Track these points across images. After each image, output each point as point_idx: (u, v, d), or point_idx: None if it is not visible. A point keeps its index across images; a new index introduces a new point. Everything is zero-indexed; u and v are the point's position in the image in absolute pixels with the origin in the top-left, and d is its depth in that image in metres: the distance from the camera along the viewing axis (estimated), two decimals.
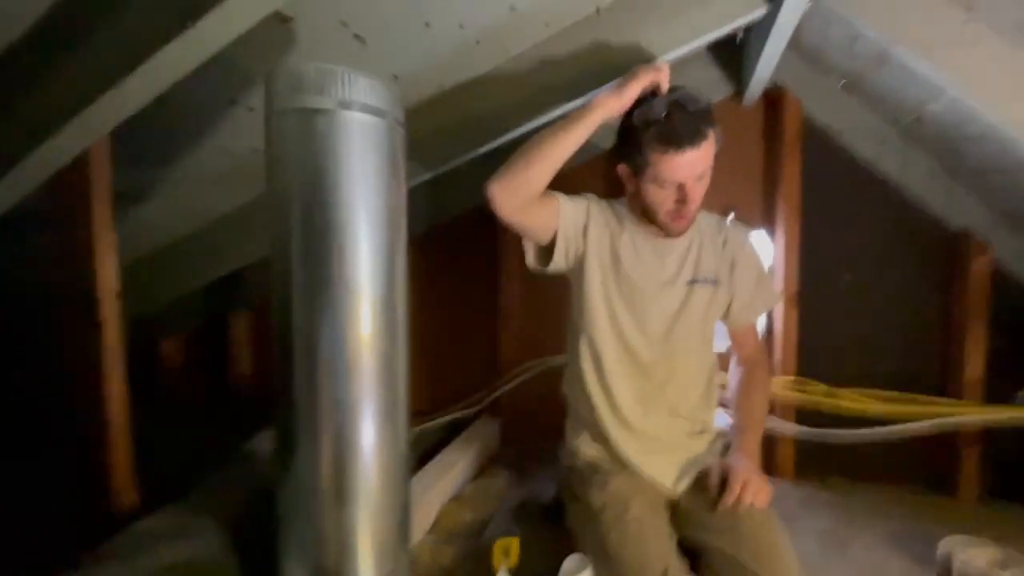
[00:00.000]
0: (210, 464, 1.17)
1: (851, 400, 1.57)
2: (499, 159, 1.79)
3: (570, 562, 1.05)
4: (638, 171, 1.11)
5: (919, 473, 1.65)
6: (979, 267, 1.57)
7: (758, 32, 1.38)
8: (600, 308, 1.20)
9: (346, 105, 0.68)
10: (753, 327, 1.32)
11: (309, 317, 0.71)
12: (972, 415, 1.51)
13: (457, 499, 1.53)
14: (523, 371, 1.94)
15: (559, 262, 1.20)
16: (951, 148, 1.49)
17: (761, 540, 1.01)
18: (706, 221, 1.25)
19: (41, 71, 0.73)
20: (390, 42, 1.09)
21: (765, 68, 1.44)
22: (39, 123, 0.76)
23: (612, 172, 1.81)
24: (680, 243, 1.21)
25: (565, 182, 1.86)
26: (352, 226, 0.71)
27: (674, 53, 1.23)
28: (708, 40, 1.25)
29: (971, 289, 1.57)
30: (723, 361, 1.34)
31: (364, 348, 0.73)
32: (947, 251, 1.64)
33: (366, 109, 0.70)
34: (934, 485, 1.63)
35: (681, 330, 1.20)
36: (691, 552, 1.05)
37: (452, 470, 1.57)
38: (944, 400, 1.56)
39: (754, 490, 1.04)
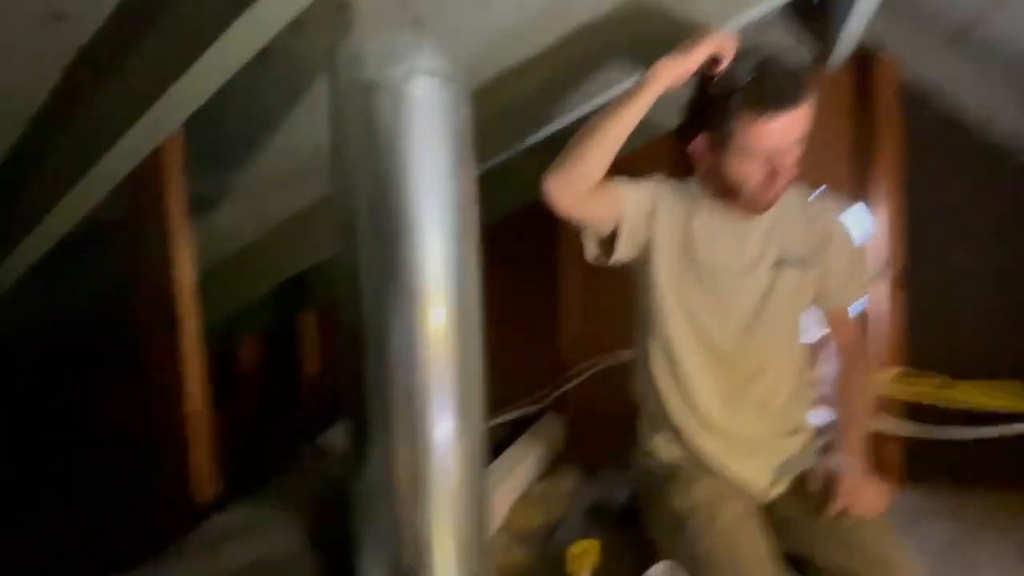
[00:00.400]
0: (284, 462, 1.19)
1: (968, 393, 1.39)
2: (556, 147, 1.75)
3: (657, 569, 0.96)
4: (720, 143, 1.00)
5: None
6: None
7: None
8: (672, 297, 1.10)
9: (411, 79, 0.64)
10: (848, 312, 1.20)
11: (379, 308, 0.67)
12: None
13: (525, 498, 1.49)
14: (589, 367, 1.87)
15: (624, 252, 1.10)
16: None
17: (879, 550, 0.89)
18: (790, 195, 1.11)
19: (108, 70, 0.75)
20: (449, 24, 1.05)
21: (856, 25, 1.29)
22: (107, 125, 0.77)
23: (676, 153, 1.73)
24: (762, 221, 1.08)
25: (633, 163, 1.80)
26: (422, 209, 0.67)
27: (753, 12, 1.12)
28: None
29: None
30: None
31: (437, 340, 0.69)
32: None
33: (433, 83, 0.65)
34: None
35: (767, 318, 1.08)
36: (792, 565, 0.94)
37: (519, 468, 1.53)
38: None
39: (866, 497, 0.93)
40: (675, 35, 1.09)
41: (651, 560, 0.98)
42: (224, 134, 1.10)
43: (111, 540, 0.88)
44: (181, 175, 0.83)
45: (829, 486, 0.96)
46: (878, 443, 1.55)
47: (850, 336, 1.20)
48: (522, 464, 1.55)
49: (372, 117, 0.65)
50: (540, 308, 1.96)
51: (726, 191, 1.06)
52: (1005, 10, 1.18)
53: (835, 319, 1.19)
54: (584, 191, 1.03)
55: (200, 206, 1.04)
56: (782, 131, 0.94)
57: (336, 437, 1.31)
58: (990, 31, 1.29)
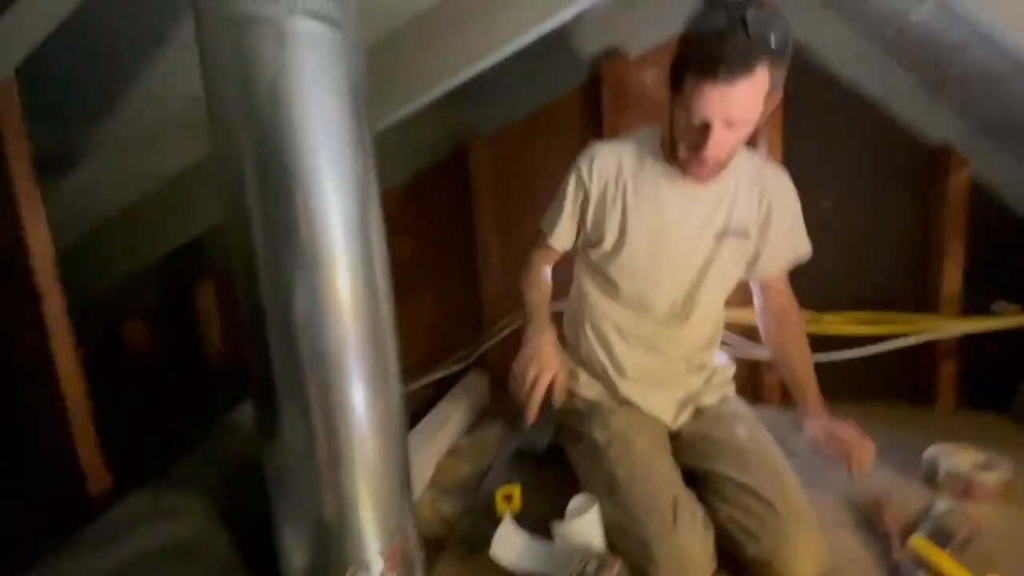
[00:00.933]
0: (186, 444, 1.11)
1: (834, 324, 1.59)
2: (471, 97, 1.70)
3: (576, 501, 1.04)
4: (674, 91, 0.96)
5: (900, 388, 1.70)
6: (958, 181, 1.57)
7: None
8: (610, 255, 1.14)
9: (294, 10, 0.57)
10: (783, 275, 1.24)
11: (277, 273, 0.63)
12: (949, 328, 1.55)
13: (452, 453, 1.52)
14: (508, 323, 1.90)
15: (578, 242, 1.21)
16: (933, 60, 1.44)
17: (766, 464, 1.02)
18: (747, 164, 1.11)
19: None
20: None
21: None
22: None
23: (588, 107, 1.75)
24: (711, 189, 1.09)
25: (539, 124, 1.79)
26: (315, 164, 0.62)
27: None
28: None
29: (950, 204, 1.58)
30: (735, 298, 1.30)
31: (342, 302, 0.66)
32: (926, 167, 1.63)
33: (321, 18, 0.59)
34: (914, 398, 1.69)
35: (701, 283, 1.13)
36: (694, 481, 1.06)
37: (445, 425, 1.55)
38: (922, 316, 1.59)
39: (866, 449, 1.06)
40: None
41: (569, 496, 1.06)
42: (72, 83, 0.94)
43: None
44: (20, 129, 0.70)
45: (838, 448, 1.07)
46: (760, 370, 1.75)
47: (785, 298, 1.25)
48: (448, 421, 1.57)
49: (250, 58, 0.58)
50: (461, 267, 1.95)
51: (672, 150, 1.04)
52: None
53: (770, 283, 1.23)
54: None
55: (51, 166, 0.89)
56: (719, 102, 0.88)
57: (241, 413, 1.24)
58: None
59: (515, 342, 1.92)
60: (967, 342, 1.61)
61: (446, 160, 1.89)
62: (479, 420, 1.75)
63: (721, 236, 1.11)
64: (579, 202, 1.15)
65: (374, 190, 0.71)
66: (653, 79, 1.71)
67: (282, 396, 0.65)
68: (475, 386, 1.86)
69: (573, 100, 1.77)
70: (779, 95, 0.94)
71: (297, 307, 0.63)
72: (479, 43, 1.19)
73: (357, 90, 0.66)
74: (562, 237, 1.19)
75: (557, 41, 1.52)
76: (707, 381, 1.23)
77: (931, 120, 1.58)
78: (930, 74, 1.51)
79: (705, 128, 0.93)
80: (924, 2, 1.27)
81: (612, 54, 1.67)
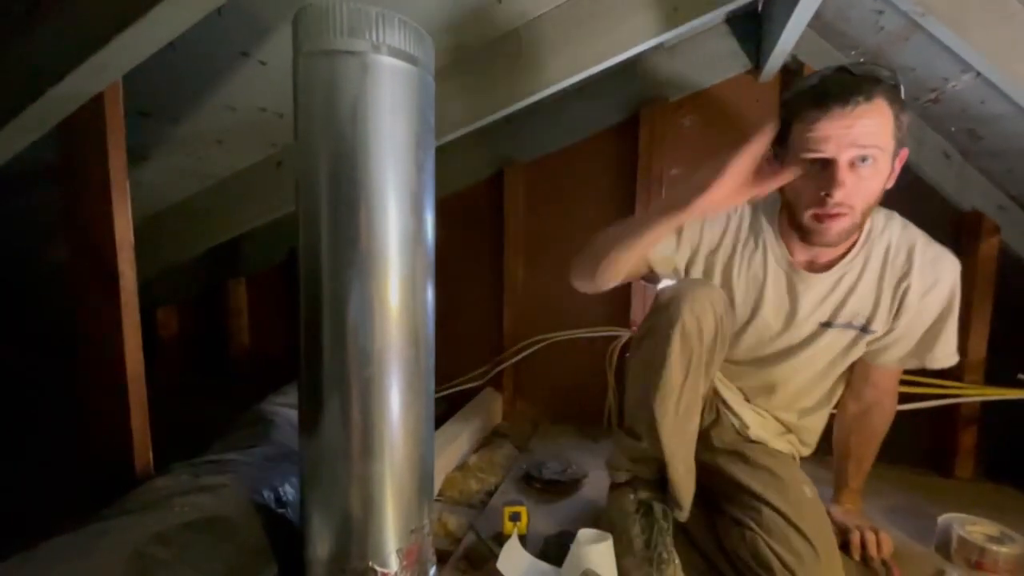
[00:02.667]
0: (217, 430, 1.16)
1: None
2: (511, 126, 1.77)
3: (587, 532, 1.05)
4: (783, 156, 0.87)
5: (918, 453, 1.68)
6: (988, 247, 1.58)
7: (781, 2, 1.35)
8: None
9: (379, 49, 0.65)
10: (898, 372, 1.09)
11: (337, 274, 0.69)
12: (971, 395, 1.54)
13: (461, 468, 1.55)
14: (526, 346, 1.94)
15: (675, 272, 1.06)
16: (968, 129, 1.47)
17: (819, 515, 0.98)
18: (889, 237, 0.97)
19: (48, 8, 0.69)
20: None
21: (787, 41, 1.41)
22: (45, 66, 0.72)
23: (624, 145, 1.82)
24: (825, 276, 0.96)
25: (574, 157, 1.86)
26: (382, 180, 0.68)
27: (700, 20, 1.19)
28: (734, 5, 1.21)
29: (979, 269, 1.58)
30: None
31: (392, 307, 0.71)
32: (956, 231, 1.64)
33: (401, 55, 0.67)
34: (932, 464, 1.66)
35: (786, 364, 1.05)
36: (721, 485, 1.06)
37: (456, 440, 1.58)
38: (945, 381, 1.58)
39: (880, 541, 1.06)
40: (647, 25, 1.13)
41: (576, 524, 1.07)
42: (164, 85, 1.03)
43: (48, 505, 0.83)
44: (121, 125, 0.78)
45: (861, 545, 1.06)
46: None
47: (885, 394, 1.10)
48: (460, 436, 1.60)
49: (336, 85, 0.65)
50: (486, 287, 2.01)
51: (790, 220, 0.94)
52: (912, 40, 1.34)
53: (876, 371, 1.07)
54: (607, 286, 1.04)
55: (131, 157, 0.97)
56: (840, 133, 0.78)
57: (272, 404, 1.29)
58: (896, 59, 1.46)
59: (530, 366, 1.97)
60: (990, 411, 1.59)
61: (483, 181, 1.97)
62: (490, 438, 1.78)
63: (827, 325, 0.99)
64: (688, 244, 1.05)
65: (429, 209, 0.77)
66: (691, 123, 1.77)
67: (327, 392, 0.70)
68: (489, 404, 1.89)
69: (610, 136, 1.84)
70: (906, 153, 0.86)
71: (351, 310, 0.69)
72: (532, 80, 1.27)
73: (425, 118, 0.73)
74: (664, 249, 1.03)
75: (601, 81, 1.60)
76: (790, 441, 1.17)
77: (963, 185, 1.60)
78: (965, 142, 1.54)
79: (830, 169, 0.81)
80: (965, 72, 1.31)
81: (652, 98, 1.74)
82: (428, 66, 0.73)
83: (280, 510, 0.82)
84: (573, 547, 0.96)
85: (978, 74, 1.24)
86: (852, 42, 1.56)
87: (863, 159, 0.80)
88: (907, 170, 1.63)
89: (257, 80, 1.11)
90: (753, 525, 0.95)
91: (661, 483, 1.03)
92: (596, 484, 1.39)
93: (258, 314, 2.38)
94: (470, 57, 1.29)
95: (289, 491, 0.87)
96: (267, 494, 0.82)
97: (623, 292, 1.83)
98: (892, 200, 1.67)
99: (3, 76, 0.74)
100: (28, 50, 0.73)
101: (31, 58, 0.73)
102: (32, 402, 1.62)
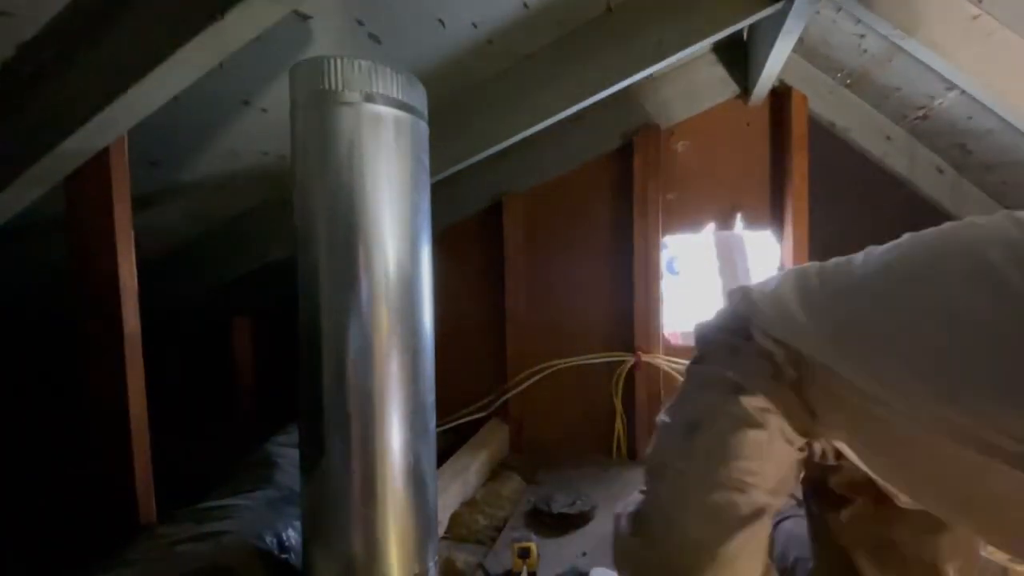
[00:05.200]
0: (222, 471, 1.15)
1: None
2: (507, 159, 1.81)
3: (599, 571, 1.03)
4: None
5: None
6: None
7: (766, 29, 1.39)
8: None
9: (372, 99, 0.67)
10: None
11: (336, 316, 0.70)
12: None
13: (470, 503, 1.52)
14: (531, 375, 1.93)
15: None
16: (959, 143, 1.49)
17: None
18: None
19: (56, 68, 0.72)
20: (404, 41, 1.09)
21: (773, 66, 1.45)
22: (55, 122, 0.75)
23: (619, 171, 1.85)
24: None
25: (571, 185, 1.89)
26: (378, 225, 0.70)
27: (685, 52, 1.23)
28: (720, 36, 1.25)
29: None
30: None
31: (391, 347, 0.72)
32: None
33: (392, 103, 0.69)
34: None
35: None
36: None
37: (464, 474, 1.56)
38: None
39: None
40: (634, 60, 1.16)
41: (585, 559, 1.05)
42: (168, 135, 1.07)
43: (51, 554, 0.82)
44: (126, 177, 0.81)
45: None
46: None
47: None
48: (468, 470, 1.58)
49: (331, 134, 0.67)
50: (488, 317, 2.01)
51: None
52: (895, 61, 1.37)
53: None
54: None
55: (136, 204, 1.00)
56: None
57: (276, 445, 1.29)
58: (882, 79, 1.49)
59: (536, 394, 1.95)
60: None
61: (482, 212, 2.00)
62: (497, 471, 1.75)
63: None
64: None
65: (426, 247, 0.78)
66: (684, 148, 1.80)
67: (327, 434, 0.70)
68: (495, 435, 1.87)
69: (605, 164, 1.87)
70: None
71: (350, 347, 0.69)
72: (525, 116, 1.30)
73: (419, 160, 0.75)
74: None
75: (594, 111, 1.63)
76: None
77: (959, 199, 1.61)
78: (957, 157, 1.56)
79: None
80: (950, 90, 1.34)
81: (645, 125, 1.77)
82: (421, 111, 0.75)
83: (283, 555, 0.81)
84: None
85: (963, 91, 1.26)
86: (837, 65, 1.60)
87: None
88: (901, 187, 1.66)
89: (257, 127, 1.15)
90: None
91: None
92: (606, 515, 1.36)
93: (263, 352, 2.38)
94: (465, 96, 1.33)
95: (292, 535, 0.86)
96: (269, 539, 0.81)
97: (626, 316, 1.83)
98: (891, 217, 1.69)
99: (12, 133, 0.77)
100: (35, 108, 0.77)
101: (38, 116, 0.76)
102: (36, 451, 1.62)
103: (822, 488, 0.78)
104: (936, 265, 0.52)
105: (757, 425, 0.61)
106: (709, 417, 0.64)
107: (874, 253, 0.61)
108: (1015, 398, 0.42)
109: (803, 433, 0.64)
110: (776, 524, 0.95)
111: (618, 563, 0.70)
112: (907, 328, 0.51)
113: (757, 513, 0.60)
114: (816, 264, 0.65)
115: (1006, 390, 0.43)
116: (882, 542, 0.75)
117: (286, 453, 1.19)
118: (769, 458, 0.62)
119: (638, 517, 0.68)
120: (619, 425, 1.83)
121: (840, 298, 0.60)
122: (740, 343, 0.67)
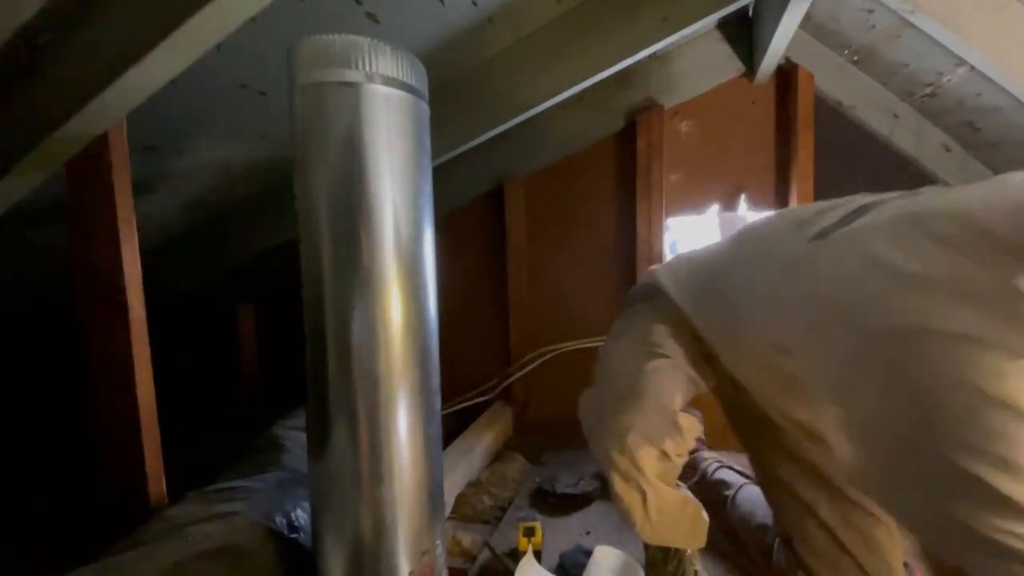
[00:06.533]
0: (229, 454, 1.17)
1: None
2: (509, 141, 1.79)
3: (604, 549, 1.04)
4: None
5: None
6: None
7: (772, 5, 1.36)
8: None
9: (372, 79, 0.66)
10: None
11: (340, 300, 0.69)
12: None
13: (474, 484, 1.54)
14: (535, 357, 1.94)
15: None
16: (967, 121, 1.47)
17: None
18: None
19: (54, 53, 0.72)
20: (403, 20, 1.07)
21: (779, 43, 1.42)
22: (49, 109, 0.74)
23: (622, 152, 1.83)
24: None
25: (574, 167, 1.87)
26: (380, 208, 0.69)
27: (691, 28, 1.21)
28: (727, 11, 1.22)
29: None
30: None
31: (395, 330, 0.72)
32: None
33: (394, 84, 0.68)
34: None
35: None
36: None
37: (469, 455, 1.57)
38: None
39: None
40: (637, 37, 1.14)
41: (589, 537, 1.06)
42: (166, 120, 1.06)
43: (62, 537, 0.84)
44: (126, 162, 0.80)
45: None
46: None
47: None
48: (472, 451, 1.60)
49: (331, 116, 0.67)
50: (491, 300, 2.01)
51: None
52: (904, 37, 1.35)
53: None
54: None
55: (137, 192, 1.00)
56: None
57: (282, 428, 1.30)
58: (890, 56, 1.46)
59: (540, 377, 1.97)
60: None
61: (483, 196, 1.99)
62: (502, 452, 1.77)
63: None
64: None
65: (429, 229, 0.78)
66: (688, 128, 1.78)
67: (334, 415, 0.70)
68: (499, 418, 1.89)
69: (608, 145, 1.85)
70: None
71: (354, 332, 0.69)
72: (526, 96, 1.28)
73: (420, 142, 0.74)
74: None
75: (596, 92, 1.61)
76: None
77: (967, 178, 1.59)
78: (964, 135, 1.53)
79: None
80: (959, 67, 1.31)
81: (648, 105, 1.75)
82: (422, 92, 0.74)
83: (293, 535, 0.83)
84: (590, 565, 0.96)
85: (972, 67, 1.24)
86: (844, 41, 1.56)
87: None
88: (908, 165, 1.64)
89: (257, 111, 1.14)
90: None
91: None
92: (609, 496, 1.37)
93: (267, 338, 2.40)
94: (465, 76, 1.31)
95: (301, 516, 0.87)
96: (279, 520, 0.83)
97: None
98: (895, 190, 1.68)
99: (8, 120, 0.76)
100: (32, 94, 0.76)
101: (35, 101, 0.76)
102: (46, 437, 1.64)
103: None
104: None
105: (664, 322, 0.95)
106: (635, 321, 1.00)
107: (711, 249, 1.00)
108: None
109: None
110: (738, 488, 1.19)
111: (581, 413, 0.97)
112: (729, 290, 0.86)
113: (662, 356, 0.91)
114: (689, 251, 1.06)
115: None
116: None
117: (294, 436, 1.20)
118: (671, 341, 0.93)
119: (593, 378, 1.00)
120: None
121: (693, 277, 0.98)
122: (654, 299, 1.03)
